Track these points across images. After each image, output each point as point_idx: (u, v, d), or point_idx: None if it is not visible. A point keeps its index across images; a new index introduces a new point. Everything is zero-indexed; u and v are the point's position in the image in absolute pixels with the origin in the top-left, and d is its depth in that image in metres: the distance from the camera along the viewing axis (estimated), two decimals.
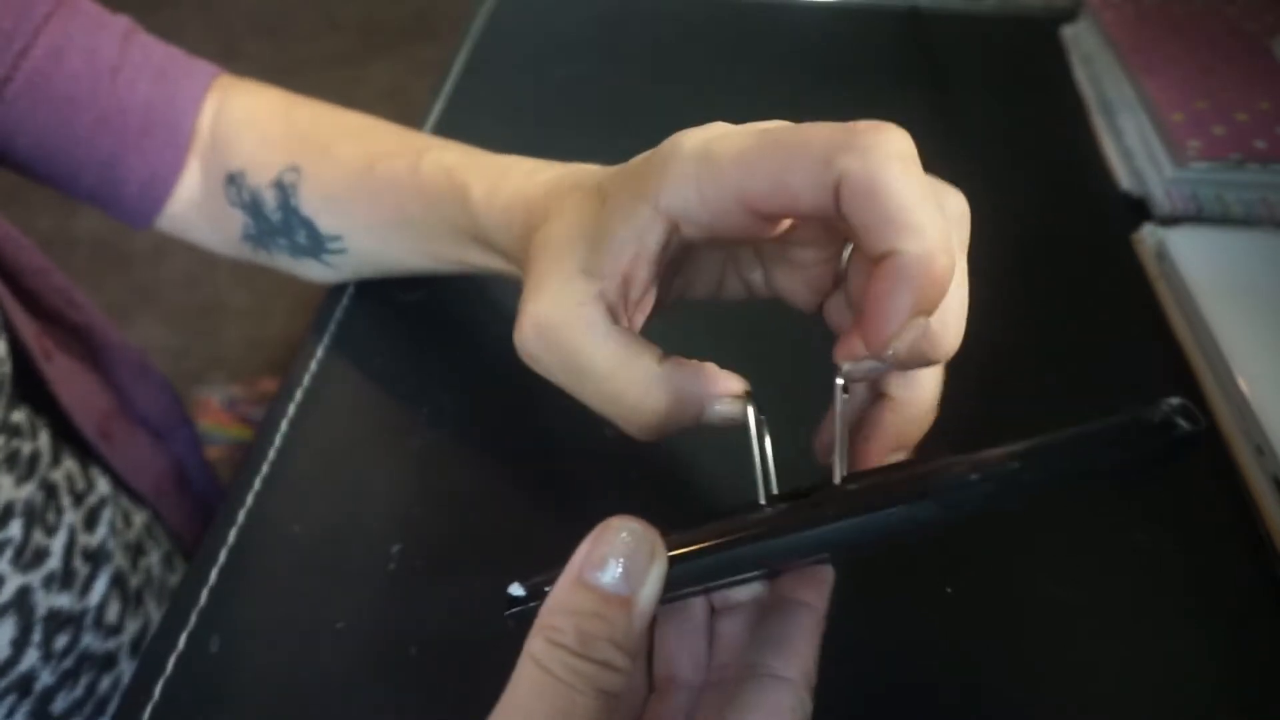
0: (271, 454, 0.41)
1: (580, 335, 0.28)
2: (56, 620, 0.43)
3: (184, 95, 0.45)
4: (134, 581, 0.49)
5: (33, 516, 0.43)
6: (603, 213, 0.28)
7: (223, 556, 0.37)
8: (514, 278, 0.38)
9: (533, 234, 0.32)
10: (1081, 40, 0.63)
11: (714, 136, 0.26)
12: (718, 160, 0.25)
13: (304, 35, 2.10)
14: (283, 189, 0.43)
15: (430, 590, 0.36)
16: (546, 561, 0.37)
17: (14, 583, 0.42)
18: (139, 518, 0.52)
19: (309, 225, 0.43)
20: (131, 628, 0.48)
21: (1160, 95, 0.53)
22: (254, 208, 0.44)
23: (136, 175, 0.45)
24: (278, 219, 0.43)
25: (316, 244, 0.44)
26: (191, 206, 0.46)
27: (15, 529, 0.42)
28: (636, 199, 0.27)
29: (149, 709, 0.33)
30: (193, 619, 0.35)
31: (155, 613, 0.51)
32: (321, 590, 0.36)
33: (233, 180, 0.44)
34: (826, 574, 0.28)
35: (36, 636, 0.42)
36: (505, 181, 0.36)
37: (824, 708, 0.26)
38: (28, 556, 0.42)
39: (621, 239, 0.27)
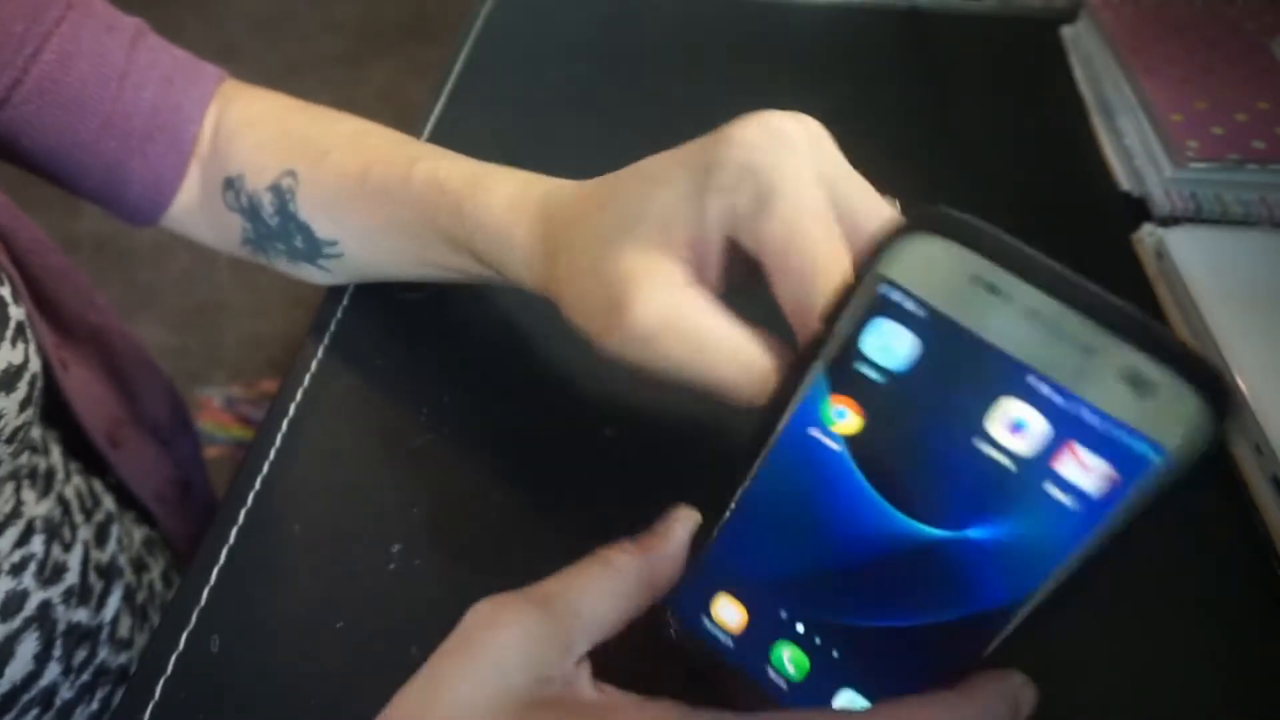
0: (271, 454, 0.41)
1: (701, 315, 0.28)
2: (75, 635, 0.44)
3: (189, 101, 0.45)
4: (140, 597, 0.50)
5: (51, 532, 0.43)
6: (652, 193, 0.29)
7: (223, 556, 0.37)
8: (507, 286, 0.38)
9: (548, 242, 0.32)
10: (1081, 40, 0.63)
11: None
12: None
13: (303, 36, 2.10)
14: (280, 193, 0.43)
15: (430, 590, 0.36)
16: (546, 560, 0.37)
17: (36, 598, 0.42)
18: (138, 534, 0.52)
19: (306, 230, 0.43)
20: (140, 642, 0.49)
21: (1159, 95, 0.53)
22: (252, 212, 0.44)
23: (140, 178, 0.45)
24: (275, 223, 0.43)
25: (313, 249, 0.44)
26: (193, 210, 0.46)
27: (37, 544, 0.42)
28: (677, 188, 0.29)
29: (149, 708, 0.33)
30: (193, 619, 0.35)
31: None
32: (321, 590, 0.36)
33: (231, 184, 0.44)
34: None
35: (57, 651, 0.43)
36: (496, 195, 0.36)
37: None
38: (48, 572, 0.43)
39: (684, 214, 0.28)
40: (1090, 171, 0.55)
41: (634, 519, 0.38)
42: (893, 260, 0.23)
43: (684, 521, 0.27)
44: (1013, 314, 0.21)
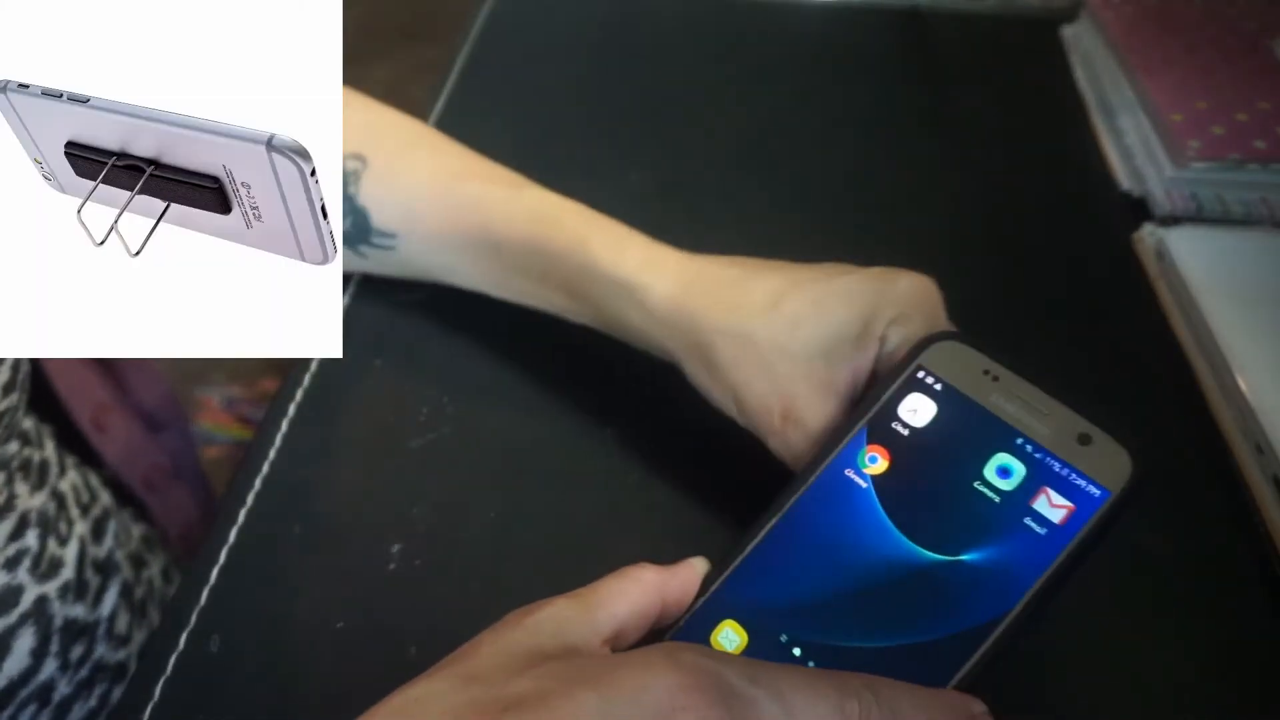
0: (271, 454, 0.41)
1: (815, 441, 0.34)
2: (72, 630, 0.44)
3: None
4: (139, 593, 0.49)
5: (46, 526, 0.43)
6: (824, 319, 0.34)
7: (223, 556, 0.37)
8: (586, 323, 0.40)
9: (693, 319, 0.35)
10: (1081, 40, 0.63)
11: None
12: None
13: None
14: (341, 175, 0.42)
15: (430, 590, 0.36)
16: (546, 559, 0.37)
17: (32, 592, 0.42)
18: (137, 531, 0.52)
19: (361, 214, 0.43)
20: (139, 638, 0.49)
21: (1160, 95, 0.53)
22: None
23: None
24: None
25: (361, 234, 0.43)
26: None
27: (32, 538, 0.42)
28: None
29: (149, 708, 0.33)
30: (193, 619, 0.35)
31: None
32: (321, 590, 0.36)
33: None
34: None
35: (54, 647, 0.43)
36: (630, 244, 0.37)
37: None
38: (44, 566, 0.43)
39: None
40: (1090, 171, 0.55)
41: (634, 518, 0.38)
42: (928, 355, 0.32)
43: (699, 560, 0.30)
44: (1006, 394, 0.31)
